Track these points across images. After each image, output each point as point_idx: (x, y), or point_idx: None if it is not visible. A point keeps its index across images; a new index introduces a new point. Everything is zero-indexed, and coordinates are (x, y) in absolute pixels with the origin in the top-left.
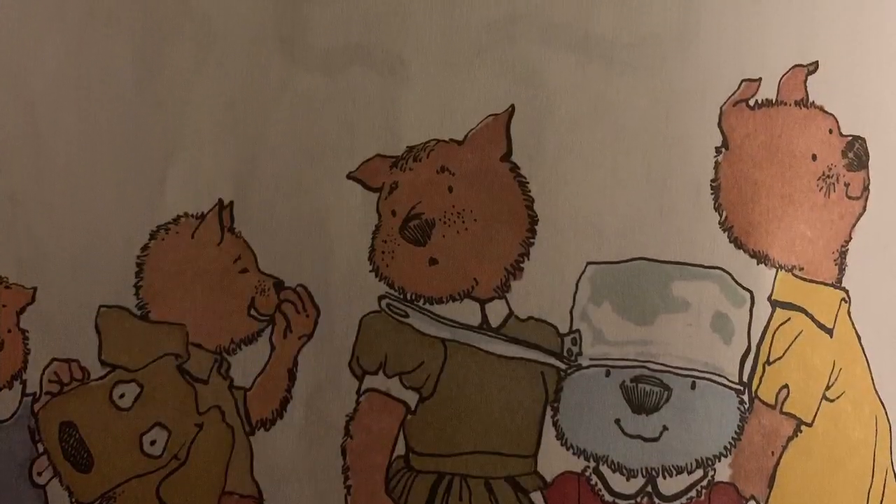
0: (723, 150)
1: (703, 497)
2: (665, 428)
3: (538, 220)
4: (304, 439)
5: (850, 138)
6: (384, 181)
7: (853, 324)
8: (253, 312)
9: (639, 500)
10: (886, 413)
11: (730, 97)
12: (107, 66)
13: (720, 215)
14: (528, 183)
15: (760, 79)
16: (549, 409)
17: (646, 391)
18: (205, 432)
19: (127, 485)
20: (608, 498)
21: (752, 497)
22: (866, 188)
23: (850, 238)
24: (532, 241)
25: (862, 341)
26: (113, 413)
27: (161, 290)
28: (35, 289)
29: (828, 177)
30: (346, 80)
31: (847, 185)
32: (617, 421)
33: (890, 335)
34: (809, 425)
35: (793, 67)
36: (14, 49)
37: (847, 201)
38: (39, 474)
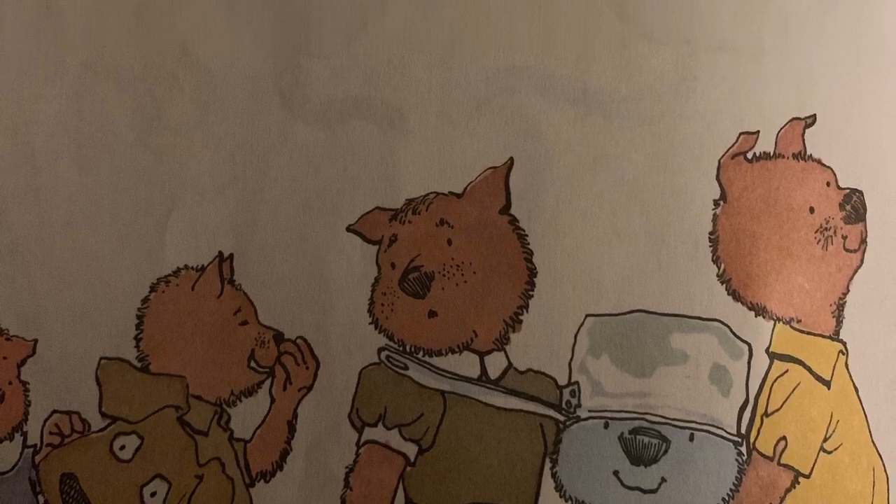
0: (721, 202)
1: None
2: (663, 480)
3: (537, 272)
4: (304, 491)
5: (848, 191)
6: (383, 234)
7: (851, 376)
8: (253, 364)
9: None
10: (884, 464)
11: (728, 150)
12: (107, 118)
13: (718, 268)
14: (527, 235)
15: (758, 132)
16: (547, 460)
17: (644, 443)
18: (205, 484)
19: None
20: None
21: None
22: (864, 241)
23: (848, 290)
24: (531, 293)
25: (859, 393)
26: (113, 465)
27: (161, 343)
28: (36, 341)
29: (825, 229)
30: (345, 132)
31: (845, 237)
32: (615, 473)
33: (887, 387)
34: (807, 477)
35: (791, 120)
36: (14, 101)
37: (845, 254)
38: None
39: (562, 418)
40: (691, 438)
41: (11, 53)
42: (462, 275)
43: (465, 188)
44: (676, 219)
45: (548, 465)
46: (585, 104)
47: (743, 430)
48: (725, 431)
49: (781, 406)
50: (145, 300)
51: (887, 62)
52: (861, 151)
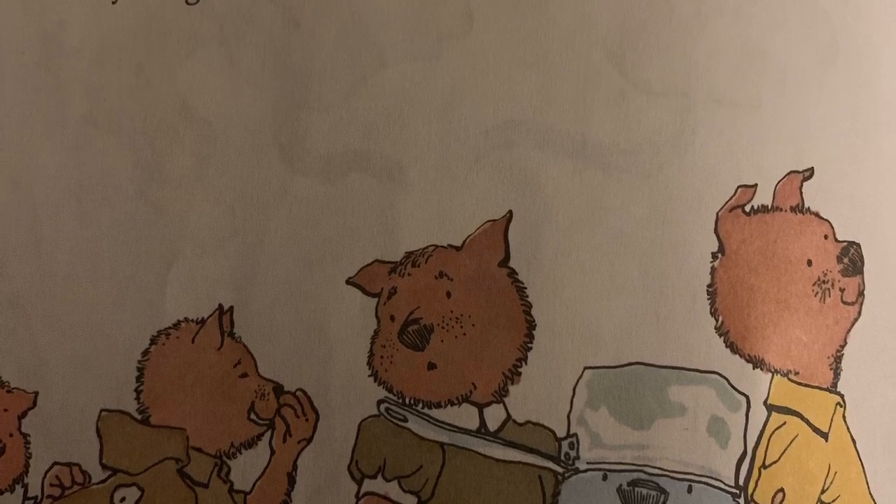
0: (719, 255)
1: None
2: None
3: (536, 324)
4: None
5: (846, 244)
6: (383, 286)
7: (848, 428)
8: (253, 416)
9: None
10: None
11: (726, 203)
12: (107, 171)
13: (716, 320)
14: (525, 288)
15: (756, 185)
16: None
17: (643, 495)
18: None
19: None
20: None
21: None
22: (861, 293)
23: (846, 343)
24: (530, 345)
25: (857, 445)
26: None
27: (162, 395)
28: (36, 393)
29: (823, 282)
30: (345, 185)
31: (842, 290)
32: None
33: (885, 439)
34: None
35: (788, 173)
36: (15, 155)
37: (842, 306)
38: None
39: (560, 470)
40: (689, 490)
41: (12, 107)
42: (461, 327)
43: (465, 241)
44: (675, 271)
45: None
46: (584, 157)
47: (741, 482)
48: (723, 483)
49: (779, 458)
50: (146, 352)
51: (884, 117)
52: (858, 204)
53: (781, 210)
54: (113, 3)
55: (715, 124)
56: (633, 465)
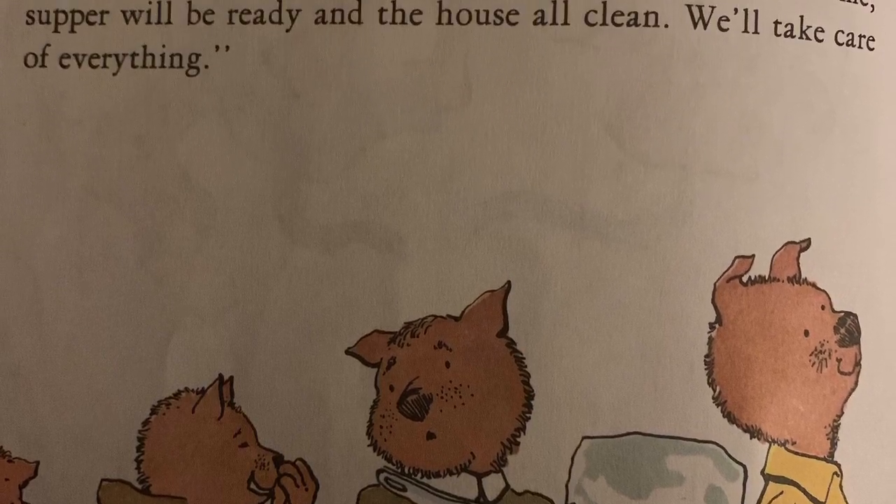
0: (716, 325)
1: None
2: None
3: (534, 394)
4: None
5: (843, 314)
6: (382, 356)
7: (845, 497)
8: (253, 486)
9: None
10: None
11: (723, 273)
12: (108, 241)
13: (714, 390)
14: (524, 358)
15: (753, 255)
16: None
17: None
18: None
19: None
20: None
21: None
22: (858, 363)
23: (842, 413)
24: (528, 415)
25: None
26: None
27: (162, 464)
28: (37, 463)
29: (820, 352)
30: (344, 256)
31: (839, 360)
32: None
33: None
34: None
35: (785, 244)
36: (16, 226)
37: (839, 376)
38: None
39: None
40: None
41: (13, 178)
42: (460, 397)
43: (463, 311)
44: (672, 341)
45: None
46: (582, 228)
47: None
48: None
49: None
50: (146, 422)
51: (881, 187)
52: (855, 275)
53: (779, 281)
54: (113, 74)
55: (712, 195)
56: None
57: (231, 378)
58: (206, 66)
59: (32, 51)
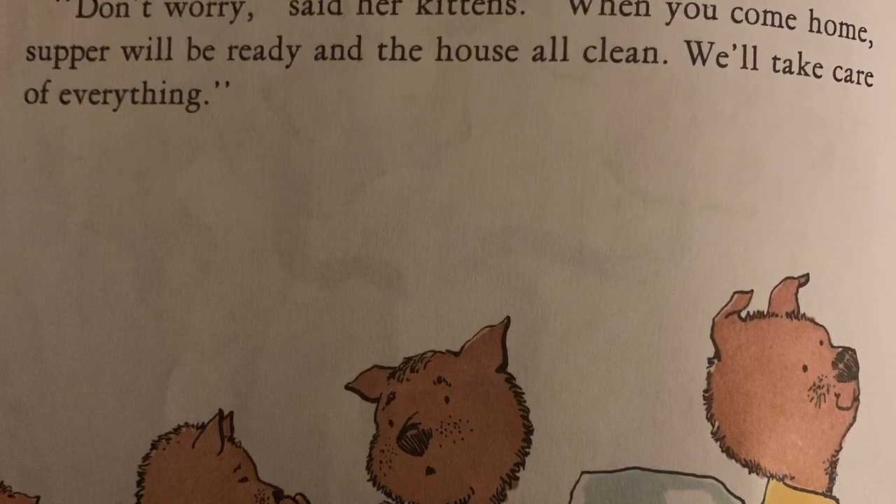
0: (715, 361)
1: None
2: None
3: (533, 429)
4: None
5: (841, 349)
6: (382, 392)
7: None
8: None
9: None
10: None
11: (722, 309)
12: (108, 278)
13: (713, 425)
14: (523, 393)
15: (752, 291)
16: None
17: None
18: None
19: None
20: None
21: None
22: (856, 399)
23: (841, 448)
24: (528, 450)
25: None
26: None
27: (162, 499)
28: (38, 497)
29: (818, 387)
30: (344, 292)
31: (837, 395)
32: None
33: None
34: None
35: (784, 280)
36: (16, 261)
37: (837, 412)
38: None
39: None
40: None
41: (13, 214)
42: (459, 432)
43: (463, 347)
44: (671, 377)
45: None
46: (581, 263)
47: None
48: None
49: None
50: (146, 457)
51: (879, 222)
52: (854, 310)
53: (777, 316)
54: (114, 110)
55: (711, 231)
56: None
57: (231, 413)
58: (206, 102)
59: (33, 86)
